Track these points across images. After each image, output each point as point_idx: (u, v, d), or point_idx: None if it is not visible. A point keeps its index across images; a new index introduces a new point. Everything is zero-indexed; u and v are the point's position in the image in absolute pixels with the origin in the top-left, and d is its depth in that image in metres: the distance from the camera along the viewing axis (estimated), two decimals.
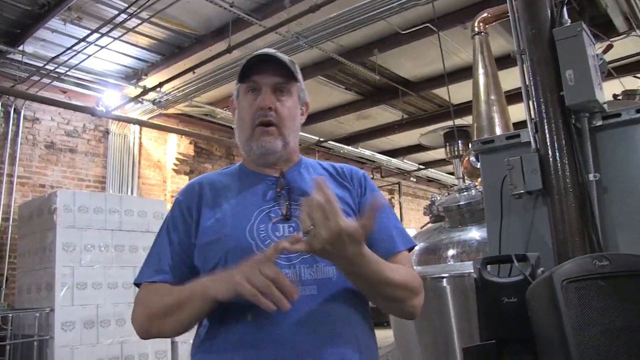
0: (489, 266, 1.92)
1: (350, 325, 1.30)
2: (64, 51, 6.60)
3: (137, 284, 1.41)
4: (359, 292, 1.33)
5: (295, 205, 1.37)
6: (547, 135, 2.19)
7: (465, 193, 3.76)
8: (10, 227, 7.06)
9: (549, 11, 2.25)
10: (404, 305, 1.33)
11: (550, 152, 2.18)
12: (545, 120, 2.19)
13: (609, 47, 2.95)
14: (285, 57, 1.45)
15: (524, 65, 2.33)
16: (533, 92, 2.24)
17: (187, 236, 1.39)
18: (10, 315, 5.88)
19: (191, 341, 1.39)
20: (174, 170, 9.26)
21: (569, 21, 2.24)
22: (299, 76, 1.49)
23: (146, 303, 1.33)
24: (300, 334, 1.22)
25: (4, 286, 6.87)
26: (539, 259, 1.83)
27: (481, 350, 1.76)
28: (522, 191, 2.25)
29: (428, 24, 6.34)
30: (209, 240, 1.34)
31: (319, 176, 1.46)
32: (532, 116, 2.28)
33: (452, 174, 13.35)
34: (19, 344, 5.74)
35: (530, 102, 2.28)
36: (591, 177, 2.13)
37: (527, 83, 2.30)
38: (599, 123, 2.20)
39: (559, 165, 2.15)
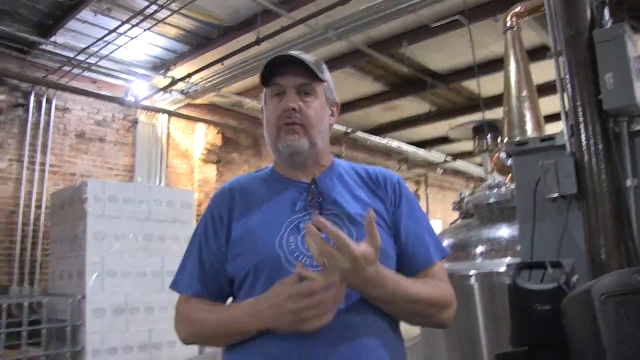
0: (522, 272, 1.90)
1: (378, 337, 1.28)
2: (95, 42, 6.67)
3: (173, 289, 1.43)
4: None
5: (326, 215, 1.35)
6: (584, 139, 2.16)
7: (495, 190, 3.72)
8: (42, 214, 7.21)
9: (589, 11, 2.20)
10: (431, 319, 1.34)
11: (586, 157, 2.14)
12: (581, 124, 2.16)
13: None
14: (308, 57, 1.43)
15: (561, 67, 2.29)
16: (570, 95, 2.20)
17: (219, 245, 1.39)
18: (44, 300, 6.02)
19: None
20: (201, 159, 9.33)
21: (610, 22, 2.19)
22: (326, 76, 1.46)
23: (189, 321, 1.36)
24: (330, 348, 1.21)
25: (37, 271, 7.04)
26: (573, 267, 1.80)
27: (513, 357, 1.75)
28: (556, 195, 2.23)
29: (458, 17, 6.25)
30: (239, 250, 1.35)
31: (349, 182, 1.47)
32: (568, 119, 2.24)
33: (480, 165, 13.23)
34: (53, 328, 5.88)
35: (567, 105, 2.24)
36: (629, 182, 2.09)
37: (563, 85, 2.26)
38: (639, 127, 2.16)
39: (594, 169, 2.12)
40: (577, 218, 2.22)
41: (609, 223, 2.08)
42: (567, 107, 2.23)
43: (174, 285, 1.43)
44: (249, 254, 1.32)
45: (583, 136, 2.15)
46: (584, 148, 2.15)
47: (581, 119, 2.16)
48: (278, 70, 1.40)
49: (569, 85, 2.21)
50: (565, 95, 2.25)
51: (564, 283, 1.73)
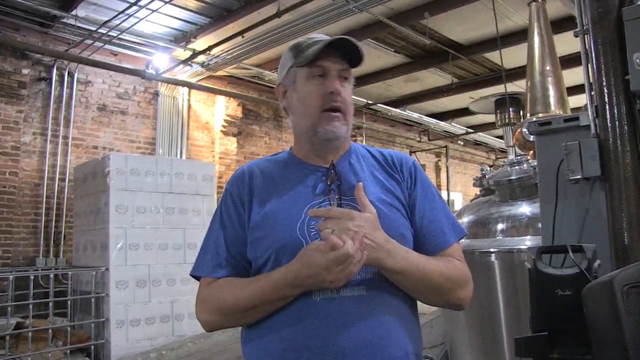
0: (543, 256, 1.89)
1: (395, 317, 1.31)
2: (116, 15, 6.66)
3: (195, 276, 1.44)
4: (404, 294, 1.35)
5: (345, 200, 1.37)
6: (609, 121, 2.11)
7: (517, 167, 3.69)
8: (66, 187, 7.34)
9: None
10: (448, 297, 1.36)
11: (611, 138, 2.11)
12: (607, 105, 2.11)
13: None
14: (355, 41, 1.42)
15: (588, 46, 2.23)
16: (595, 75, 2.16)
17: (242, 228, 1.39)
18: (69, 272, 6.16)
19: None
20: (222, 132, 9.35)
21: None
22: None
23: (216, 301, 1.35)
24: (345, 330, 1.23)
25: (62, 243, 7.19)
26: (595, 252, 1.78)
27: (533, 341, 1.76)
28: (579, 177, 2.20)
29: None
30: (259, 235, 1.35)
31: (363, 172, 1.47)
32: (593, 100, 2.20)
33: (500, 137, 13.07)
34: (78, 300, 6.03)
35: (592, 85, 2.19)
36: None
37: (589, 64, 2.21)
38: None
39: (619, 152, 2.09)
40: (600, 201, 2.19)
41: (632, 206, 2.05)
42: (593, 88, 2.19)
43: (197, 272, 1.43)
44: (270, 239, 1.32)
45: (608, 117, 2.11)
46: (609, 129, 2.11)
47: (607, 99, 2.11)
48: (322, 51, 1.38)
49: (595, 65, 2.15)
50: (590, 75, 2.20)
51: (585, 268, 1.71)
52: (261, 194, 1.41)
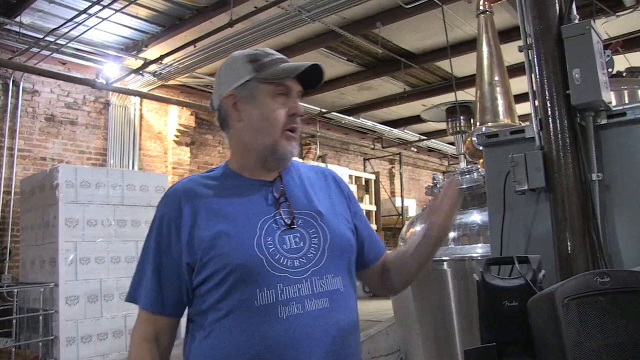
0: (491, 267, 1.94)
1: (354, 333, 1.37)
2: (64, 23, 6.51)
3: (131, 302, 1.41)
4: (355, 302, 1.41)
5: (296, 213, 1.38)
6: (552, 133, 2.18)
7: (468, 176, 3.77)
8: (12, 200, 7.09)
9: (558, 7, 2.22)
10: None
11: (554, 150, 2.17)
12: (550, 118, 2.18)
13: (617, 45, 2.90)
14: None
15: (531, 61, 2.30)
16: (539, 89, 2.22)
17: (177, 254, 1.34)
18: (15, 289, 5.95)
19: None
20: (175, 141, 9.23)
21: (578, 17, 2.20)
22: None
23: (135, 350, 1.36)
24: (314, 347, 1.25)
25: (7, 259, 6.94)
26: (540, 263, 1.84)
27: (482, 353, 1.79)
28: (525, 188, 2.26)
29: None
30: (212, 255, 1.29)
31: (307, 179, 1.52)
32: (538, 113, 2.27)
33: (452, 144, 13.32)
34: (24, 318, 5.83)
35: (536, 98, 2.26)
36: (594, 176, 2.12)
37: (534, 79, 2.28)
38: (604, 122, 2.19)
39: (562, 163, 2.15)
40: (545, 211, 2.26)
41: (575, 216, 2.11)
42: (537, 102, 2.25)
43: (131, 299, 1.40)
44: (225, 258, 1.28)
45: (552, 130, 2.17)
46: (552, 142, 2.18)
47: (550, 113, 2.18)
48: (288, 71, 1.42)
49: (538, 79, 2.22)
50: (534, 88, 2.27)
51: (531, 279, 1.76)
52: (205, 214, 1.34)
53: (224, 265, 1.27)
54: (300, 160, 1.58)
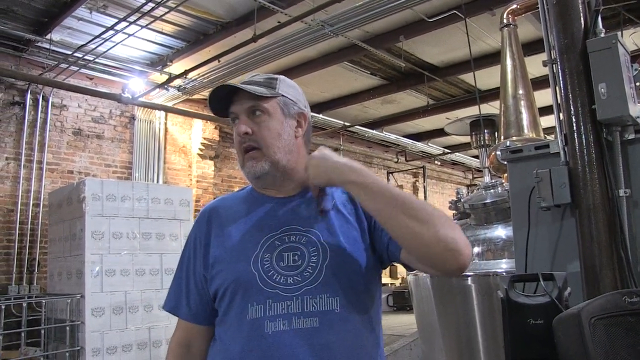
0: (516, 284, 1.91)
1: (352, 356, 1.29)
2: (91, 40, 6.66)
3: (166, 309, 1.52)
4: (365, 325, 1.34)
5: (303, 231, 1.38)
6: (577, 149, 2.15)
7: (492, 190, 3.73)
8: (40, 212, 7.23)
9: (583, 20, 2.19)
10: (435, 230, 1.18)
11: (580, 166, 2.14)
12: (575, 134, 2.16)
13: None
14: (257, 79, 1.43)
15: (556, 76, 2.27)
16: (564, 104, 2.20)
17: (199, 268, 1.44)
18: (43, 300, 6.05)
19: None
20: (199, 155, 9.33)
21: (604, 31, 2.18)
22: (282, 90, 1.43)
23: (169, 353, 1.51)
24: None
25: (36, 270, 7.06)
26: (566, 280, 1.81)
27: None
28: (550, 204, 2.23)
29: (455, 11, 6.23)
30: (218, 270, 1.38)
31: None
32: (562, 128, 2.24)
33: (476, 157, 13.21)
34: (52, 328, 5.90)
35: (562, 114, 2.24)
36: (621, 192, 2.09)
37: (558, 94, 2.26)
38: (631, 136, 2.16)
39: (588, 179, 2.12)
40: (571, 227, 2.22)
41: (602, 233, 2.08)
42: (562, 116, 2.23)
43: (165, 305, 1.52)
44: (225, 273, 1.36)
45: (577, 145, 2.15)
46: (577, 157, 2.15)
47: (575, 128, 2.15)
48: (231, 97, 1.42)
49: (563, 94, 2.20)
50: (559, 103, 2.25)
51: (556, 297, 1.73)
52: (221, 230, 1.43)
53: (224, 280, 1.36)
54: None
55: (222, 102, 1.43)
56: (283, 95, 1.43)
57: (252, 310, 1.29)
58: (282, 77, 1.48)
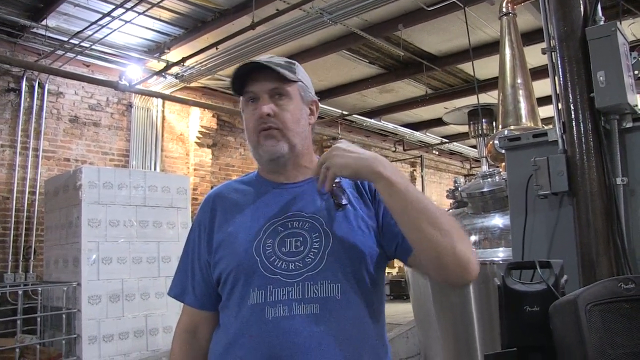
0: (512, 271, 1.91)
1: (352, 343, 1.27)
2: (88, 26, 6.60)
3: (170, 294, 1.51)
4: (367, 313, 1.32)
5: (306, 217, 1.37)
6: (575, 137, 2.15)
7: (489, 179, 3.72)
8: (37, 200, 7.21)
9: (582, 8, 2.18)
10: (449, 239, 1.21)
11: (577, 154, 2.14)
12: (573, 122, 2.15)
13: None
14: (278, 60, 1.41)
15: (555, 64, 2.26)
16: (562, 92, 2.19)
17: (206, 253, 1.44)
18: (39, 288, 6.05)
19: None
20: (196, 143, 9.30)
21: (603, 19, 2.17)
22: (300, 75, 1.44)
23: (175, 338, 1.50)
24: (297, 352, 1.23)
25: (32, 258, 7.05)
26: (563, 268, 1.80)
27: (502, 358, 1.77)
28: (547, 192, 2.23)
29: (454, 0, 6.19)
30: (221, 255, 1.38)
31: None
32: (561, 116, 2.24)
33: (474, 147, 13.22)
34: (48, 316, 5.91)
35: (560, 101, 2.23)
36: (619, 180, 2.09)
37: (557, 82, 2.25)
38: (629, 125, 2.16)
39: (586, 167, 2.12)
40: (568, 214, 2.22)
41: (599, 220, 2.08)
42: (560, 104, 2.22)
43: (170, 291, 1.51)
44: (228, 258, 1.36)
45: (575, 134, 2.14)
46: (575, 145, 2.15)
47: (573, 116, 2.15)
48: (249, 76, 1.39)
49: (562, 82, 2.19)
50: (558, 91, 2.24)
51: (552, 284, 1.73)
52: (225, 216, 1.43)
53: (227, 266, 1.35)
54: None
55: (237, 80, 1.41)
56: (302, 81, 1.44)
57: (253, 295, 1.29)
58: (296, 62, 1.48)
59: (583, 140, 2.13)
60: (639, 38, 6.66)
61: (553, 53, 2.26)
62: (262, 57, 1.42)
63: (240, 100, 1.46)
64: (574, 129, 2.16)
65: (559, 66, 2.23)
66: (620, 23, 2.20)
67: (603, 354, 1.35)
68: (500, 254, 3.31)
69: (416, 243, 1.25)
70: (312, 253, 1.31)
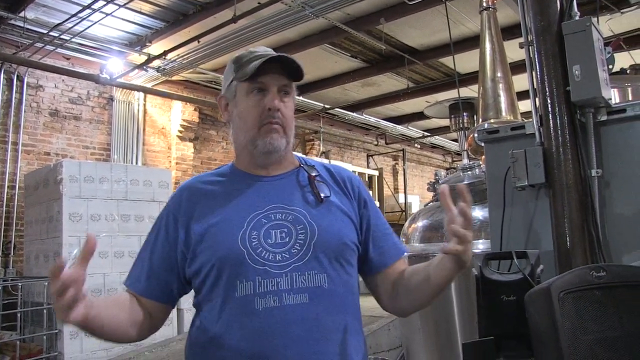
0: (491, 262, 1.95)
1: (340, 331, 1.33)
2: (68, 18, 6.53)
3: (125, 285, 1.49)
4: (348, 294, 1.38)
5: (289, 210, 1.39)
6: (552, 130, 2.19)
7: (469, 172, 3.77)
8: (16, 195, 7.13)
9: (559, 4, 2.22)
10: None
11: (554, 147, 2.18)
12: (550, 115, 2.19)
13: (617, 42, 2.91)
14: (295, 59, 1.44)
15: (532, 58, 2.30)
16: (539, 86, 2.23)
17: (171, 247, 1.41)
18: (19, 283, 5.99)
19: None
20: (178, 137, 9.26)
21: (578, 14, 2.21)
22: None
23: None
24: (289, 341, 1.26)
25: (12, 253, 6.98)
26: (539, 258, 1.84)
27: (479, 346, 1.80)
28: (525, 184, 2.27)
29: None
30: (202, 247, 1.36)
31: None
32: (538, 109, 2.28)
33: (456, 140, 13.31)
34: (28, 312, 5.86)
35: (537, 95, 2.27)
36: (594, 172, 2.13)
37: (534, 75, 2.29)
38: (604, 118, 2.20)
39: (562, 159, 2.16)
40: (545, 206, 2.27)
41: (574, 211, 2.12)
42: (537, 98, 2.26)
43: (125, 281, 1.48)
44: (210, 251, 1.35)
45: (551, 126, 2.19)
46: (552, 138, 2.19)
47: (550, 109, 2.19)
48: (261, 67, 1.39)
49: (539, 76, 2.23)
50: (535, 85, 2.28)
51: (528, 274, 1.77)
52: (203, 209, 1.42)
53: (210, 258, 1.34)
54: (302, 156, 1.56)
55: (249, 65, 1.41)
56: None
57: (241, 287, 1.29)
58: None
59: (559, 133, 2.17)
60: (616, 34, 6.75)
61: (530, 47, 2.30)
62: (223, 59, 1.46)
63: (236, 85, 1.45)
64: (551, 122, 2.20)
65: (536, 60, 2.27)
66: (597, 19, 2.25)
67: (575, 339, 1.39)
68: (480, 245, 3.35)
69: (410, 301, 1.47)
70: (297, 244, 1.34)
